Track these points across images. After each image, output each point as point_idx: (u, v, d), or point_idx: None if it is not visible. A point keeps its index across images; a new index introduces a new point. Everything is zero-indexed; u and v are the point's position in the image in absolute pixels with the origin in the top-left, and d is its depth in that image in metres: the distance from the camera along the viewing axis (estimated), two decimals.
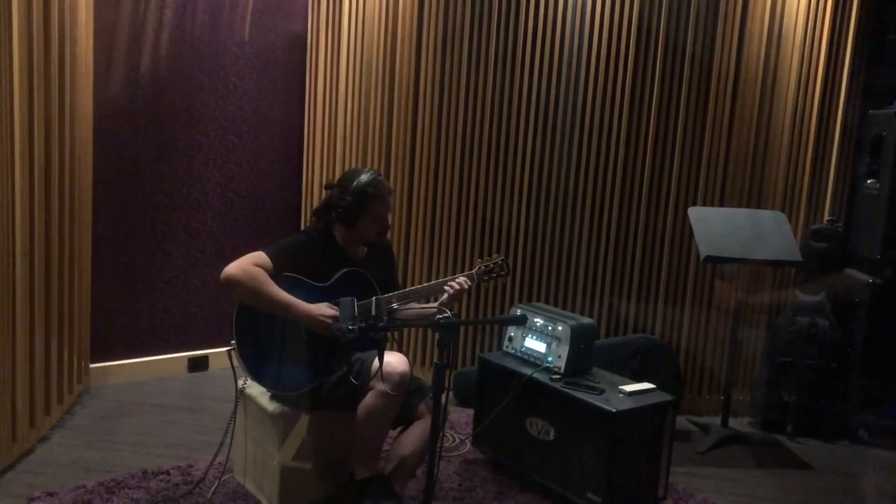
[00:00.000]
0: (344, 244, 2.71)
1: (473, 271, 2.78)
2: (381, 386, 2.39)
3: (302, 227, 4.31)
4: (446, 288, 2.66)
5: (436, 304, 2.68)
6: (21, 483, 2.80)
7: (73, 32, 3.25)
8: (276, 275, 2.53)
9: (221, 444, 2.71)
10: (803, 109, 3.96)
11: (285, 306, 2.49)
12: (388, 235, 2.92)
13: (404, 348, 4.08)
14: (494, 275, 2.79)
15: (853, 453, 3.72)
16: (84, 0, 3.40)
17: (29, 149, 2.91)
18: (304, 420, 2.58)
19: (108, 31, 3.68)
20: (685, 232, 3.87)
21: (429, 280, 3.88)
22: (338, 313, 2.39)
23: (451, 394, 3.40)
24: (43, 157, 3.03)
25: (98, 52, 3.64)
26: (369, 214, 2.64)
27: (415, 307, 2.76)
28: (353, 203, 2.60)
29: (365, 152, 4.07)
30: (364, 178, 2.62)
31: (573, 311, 3.83)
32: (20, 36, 2.76)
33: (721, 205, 3.90)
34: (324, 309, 2.50)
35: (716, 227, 3.52)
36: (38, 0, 2.89)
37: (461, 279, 2.70)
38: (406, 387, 2.47)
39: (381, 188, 2.66)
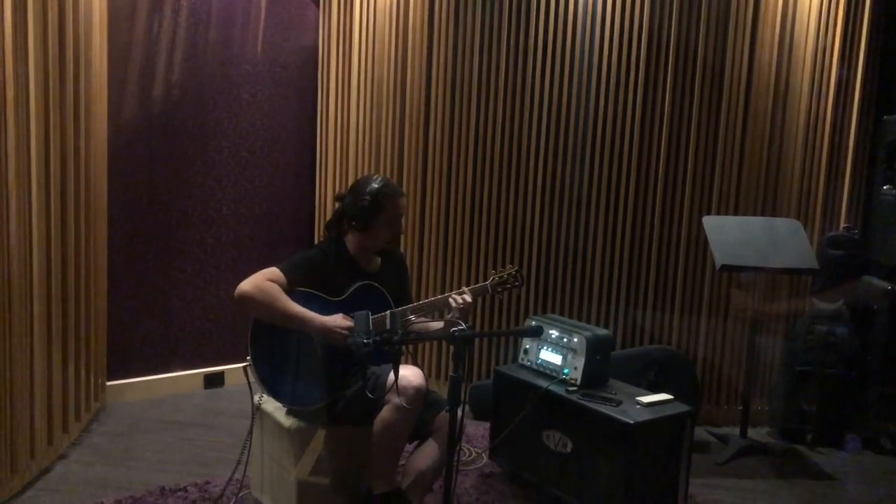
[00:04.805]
0: (357, 255, 2.71)
1: (487, 282, 2.78)
2: (396, 400, 2.38)
3: (315, 242, 4.32)
4: (450, 302, 2.63)
5: (447, 318, 2.67)
6: (39, 501, 2.81)
7: (87, 54, 3.29)
8: (289, 290, 2.54)
9: (239, 461, 2.71)
10: (817, 115, 3.94)
11: (299, 319, 2.50)
12: (402, 246, 2.92)
13: (419, 361, 4.08)
14: (508, 286, 2.78)
15: (875, 462, 3.67)
16: (98, 22, 3.45)
17: (45, 168, 2.94)
18: (320, 435, 2.58)
19: (122, 52, 3.72)
20: (700, 241, 3.85)
21: (443, 291, 3.88)
22: (352, 324, 2.40)
23: (467, 407, 3.39)
24: (59, 176, 3.06)
25: (112, 72, 3.69)
26: (383, 217, 2.65)
27: (423, 320, 2.75)
28: (368, 206, 2.62)
29: (377, 164, 4.09)
30: (376, 182, 2.66)
31: (588, 322, 3.81)
32: (36, 58, 2.80)
33: (735, 213, 3.88)
34: (339, 320, 2.50)
35: (731, 235, 3.50)
36: (53, 23, 2.93)
37: (466, 295, 2.65)
38: (422, 400, 2.46)
39: (394, 190, 2.69)
